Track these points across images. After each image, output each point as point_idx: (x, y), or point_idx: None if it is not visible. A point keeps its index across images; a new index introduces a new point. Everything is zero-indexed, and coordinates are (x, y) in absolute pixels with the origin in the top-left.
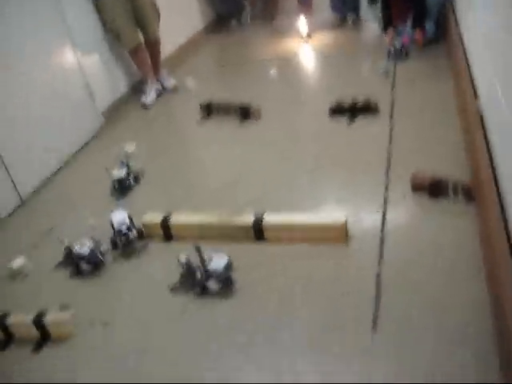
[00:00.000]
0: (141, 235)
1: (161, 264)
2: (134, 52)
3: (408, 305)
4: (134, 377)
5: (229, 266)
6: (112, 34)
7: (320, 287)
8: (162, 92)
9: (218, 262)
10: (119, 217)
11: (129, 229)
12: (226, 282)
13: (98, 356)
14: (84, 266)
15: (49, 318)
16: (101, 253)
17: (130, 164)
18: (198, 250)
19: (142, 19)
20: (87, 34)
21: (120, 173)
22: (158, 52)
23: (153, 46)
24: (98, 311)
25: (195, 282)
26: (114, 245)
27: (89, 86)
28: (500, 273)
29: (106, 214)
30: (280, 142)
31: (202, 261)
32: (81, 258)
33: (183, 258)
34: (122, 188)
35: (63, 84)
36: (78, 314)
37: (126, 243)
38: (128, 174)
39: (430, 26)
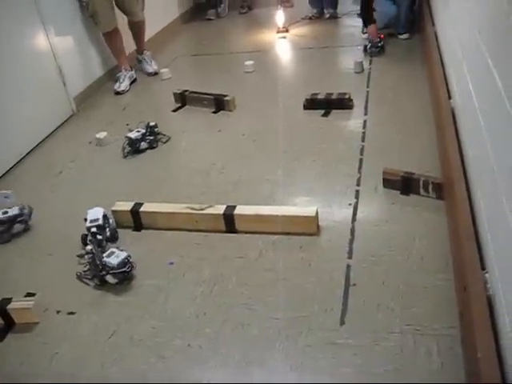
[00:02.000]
0: (113, 237)
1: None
2: (109, 36)
3: (376, 296)
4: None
5: (126, 262)
6: (90, 16)
7: (290, 278)
8: (135, 79)
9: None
10: (93, 214)
11: (99, 228)
12: (123, 276)
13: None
14: None
15: (12, 306)
16: None
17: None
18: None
19: (125, 2)
20: (60, 16)
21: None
22: (142, 32)
23: (136, 26)
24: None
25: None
26: (84, 243)
27: (61, 69)
28: (467, 268)
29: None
30: (254, 134)
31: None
32: None
33: (88, 248)
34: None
35: (33, 66)
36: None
37: (95, 243)
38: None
39: (392, 7)
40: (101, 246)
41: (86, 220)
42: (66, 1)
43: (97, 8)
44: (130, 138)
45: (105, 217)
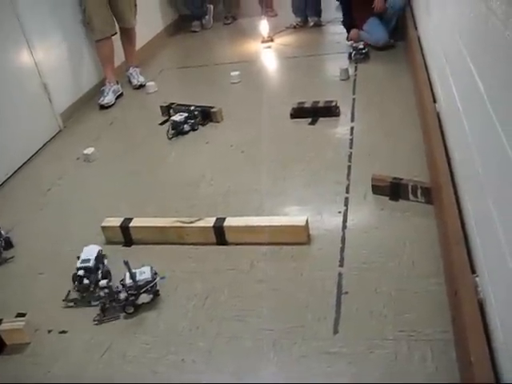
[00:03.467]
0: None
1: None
2: (101, 44)
3: (369, 304)
4: None
5: (155, 273)
6: (86, 23)
7: (282, 288)
8: (121, 93)
9: (143, 273)
10: (86, 253)
11: (88, 270)
12: (156, 291)
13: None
14: None
15: (2, 327)
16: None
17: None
18: (127, 264)
19: (118, 8)
20: (45, 32)
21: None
22: (133, 40)
23: (128, 34)
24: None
25: (121, 303)
26: (73, 281)
27: (46, 86)
28: (457, 272)
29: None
30: (242, 144)
31: (132, 274)
32: None
33: (102, 283)
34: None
35: (17, 84)
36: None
37: (80, 289)
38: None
39: (383, 34)
40: (87, 291)
41: (78, 258)
42: (51, 16)
43: (92, 14)
44: (174, 121)
45: (98, 257)
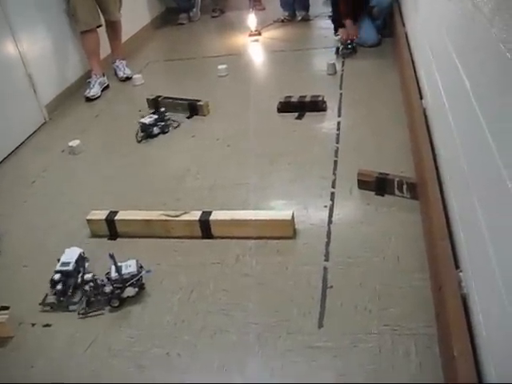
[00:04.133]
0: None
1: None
2: (86, 36)
3: (354, 298)
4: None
5: (141, 266)
6: (70, 14)
7: (267, 282)
8: (107, 86)
9: (129, 266)
10: (67, 256)
11: (66, 275)
12: (141, 284)
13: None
14: None
15: None
16: None
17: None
18: (112, 257)
19: (101, 0)
20: (31, 23)
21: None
22: (118, 33)
23: (113, 26)
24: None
25: (107, 296)
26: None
27: (31, 77)
28: (442, 267)
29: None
30: (228, 138)
31: (117, 267)
32: None
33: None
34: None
35: (1, 75)
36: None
37: (57, 293)
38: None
39: (373, 34)
40: (65, 295)
41: (58, 261)
42: (36, 7)
43: (77, 5)
44: (143, 124)
45: (79, 260)
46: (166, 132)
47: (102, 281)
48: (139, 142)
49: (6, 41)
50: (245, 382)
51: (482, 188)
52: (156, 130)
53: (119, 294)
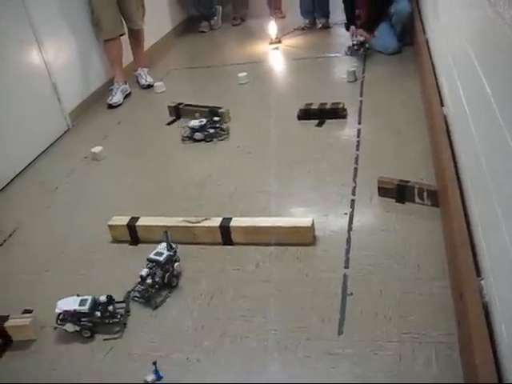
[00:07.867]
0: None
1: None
2: (110, 44)
3: (374, 305)
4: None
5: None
6: (94, 23)
7: (287, 289)
8: (129, 93)
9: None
10: (61, 305)
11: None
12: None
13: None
14: None
15: (9, 323)
16: None
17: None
18: (166, 235)
19: (126, 9)
20: (56, 32)
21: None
22: (141, 41)
23: (136, 35)
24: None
25: (161, 281)
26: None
27: (55, 86)
28: (463, 275)
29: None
30: (249, 145)
31: (170, 245)
32: None
33: (144, 272)
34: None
35: (27, 85)
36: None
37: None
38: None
39: (393, 41)
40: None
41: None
42: (61, 16)
43: (100, 14)
44: (191, 128)
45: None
46: (208, 141)
47: (147, 272)
48: (183, 141)
49: (32, 50)
50: None
51: (504, 195)
52: (199, 135)
53: (172, 272)
